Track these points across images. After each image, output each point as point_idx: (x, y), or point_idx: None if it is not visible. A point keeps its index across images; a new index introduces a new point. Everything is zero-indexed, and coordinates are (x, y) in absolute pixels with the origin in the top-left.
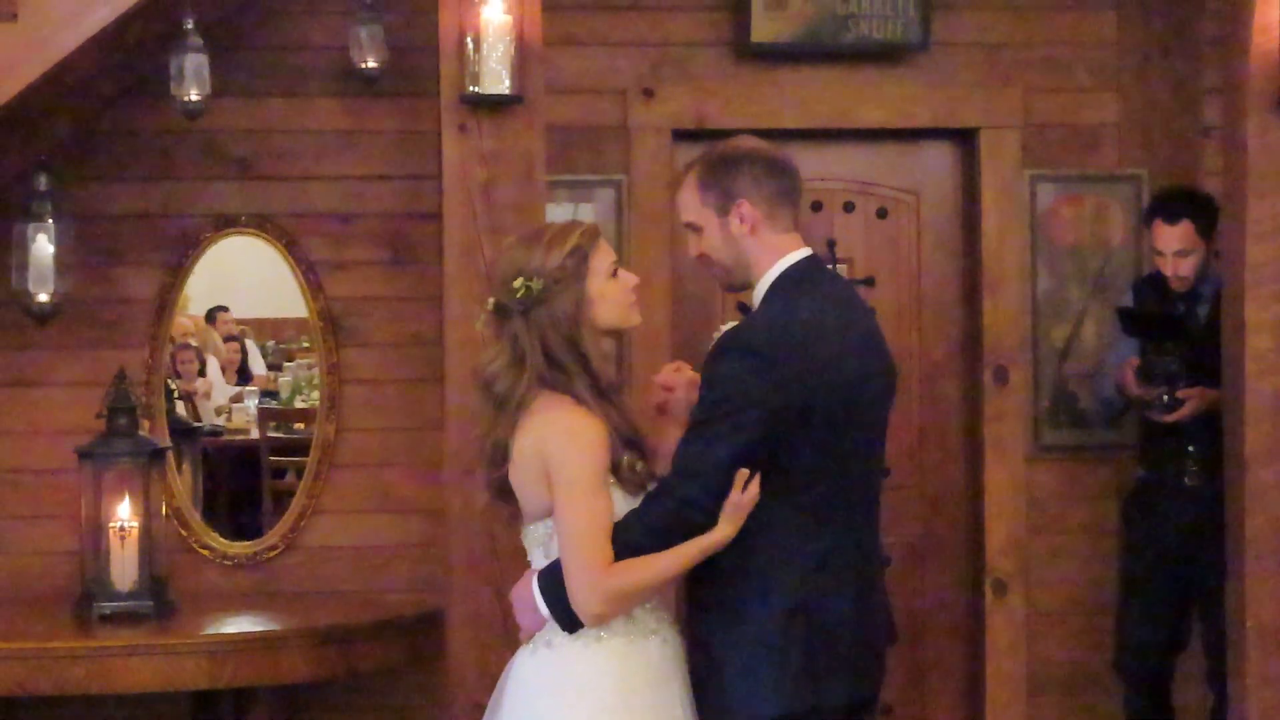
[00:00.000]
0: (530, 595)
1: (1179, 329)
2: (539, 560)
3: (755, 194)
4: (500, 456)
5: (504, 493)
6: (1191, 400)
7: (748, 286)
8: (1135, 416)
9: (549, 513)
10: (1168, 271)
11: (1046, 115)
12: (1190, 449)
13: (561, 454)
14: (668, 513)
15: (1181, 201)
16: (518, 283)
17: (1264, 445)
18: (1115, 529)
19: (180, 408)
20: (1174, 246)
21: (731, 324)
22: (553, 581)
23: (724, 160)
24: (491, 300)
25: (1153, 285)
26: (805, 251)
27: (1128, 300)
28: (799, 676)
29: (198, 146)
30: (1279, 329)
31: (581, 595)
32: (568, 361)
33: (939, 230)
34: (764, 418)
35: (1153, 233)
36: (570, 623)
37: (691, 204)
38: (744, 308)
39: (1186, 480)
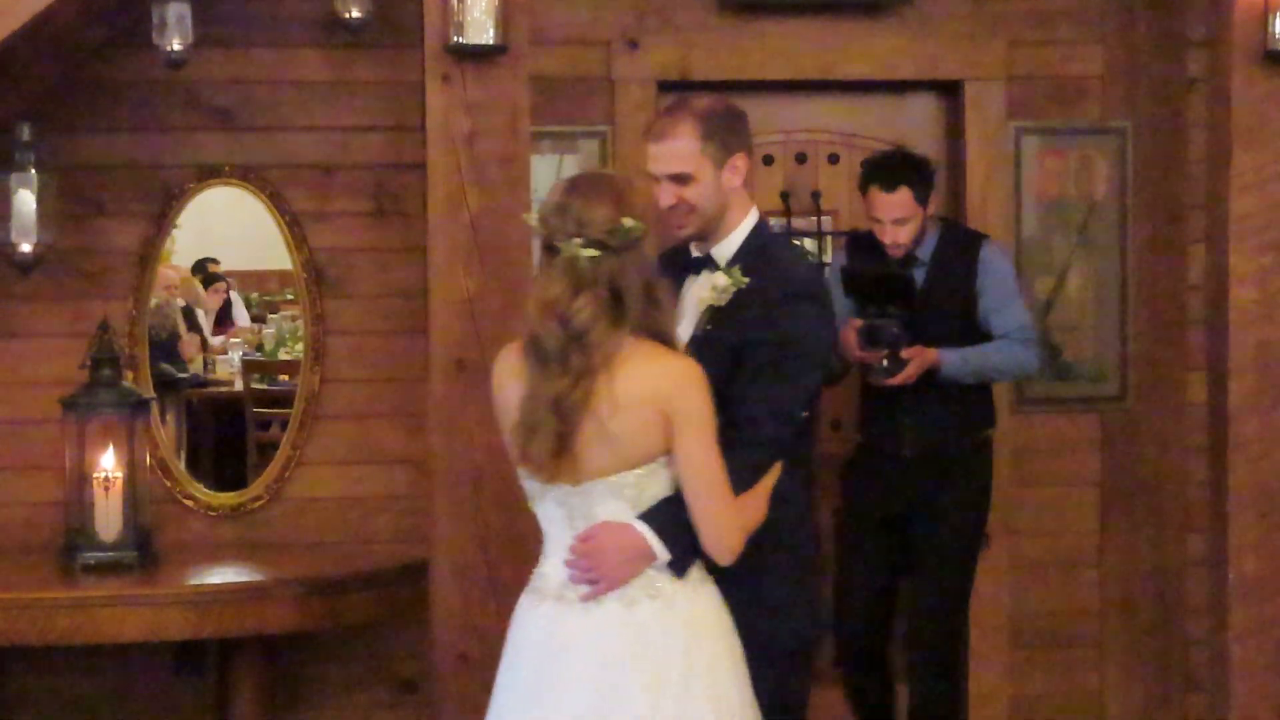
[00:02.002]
0: (633, 544)
1: (906, 291)
2: (613, 512)
3: (748, 149)
4: (575, 410)
5: (564, 449)
6: (913, 360)
7: (704, 238)
8: (859, 380)
9: (650, 459)
10: (885, 240)
11: (1031, 67)
12: (907, 420)
13: (685, 396)
14: (766, 454)
15: (899, 168)
16: (630, 223)
17: (1247, 398)
18: (1099, 480)
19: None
20: (893, 214)
21: (721, 274)
22: (667, 525)
23: (726, 113)
24: (580, 241)
25: (868, 245)
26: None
27: (842, 258)
28: (816, 607)
29: (181, 97)
30: (1263, 280)
31: (726, 532)
32: (664, 301)
33: None
34: (823, 361)
35: (869, 199)
36: (686, 566)
37: (689, 153)
38: (684, 260)
39: (905, 451)
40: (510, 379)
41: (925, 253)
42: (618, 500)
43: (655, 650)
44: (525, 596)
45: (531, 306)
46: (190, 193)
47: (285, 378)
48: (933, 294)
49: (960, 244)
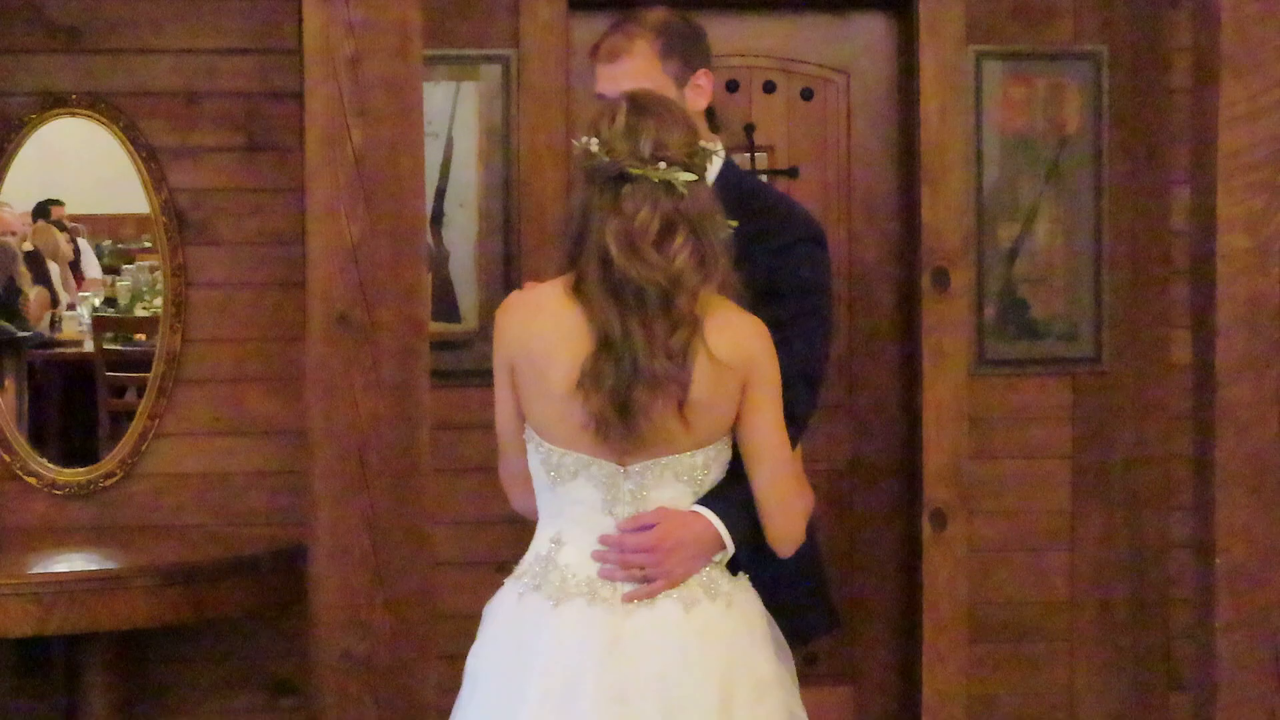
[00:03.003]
0: (703, 535)
1: None
2: (671, 497)
3: (710, 65)
4: (678, 369)
5: (647, 416)
6: None
7: None
8: None
9: (723, 434)
10: None
11: None
12: None
13: (769, 359)
14: (798, 428)
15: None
16: (707, 144)
17: (1237, 358)
18: (1070, 453)
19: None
20: None
21: None
22: (731, 513)
23: (685, 25)
24: (665, 166)
25: None
26: None
27: None
28: (829, 601)
29: (19, 14)
30: (1255, 225)
31: (796, 518)
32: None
33: (872, 114)
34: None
35: None
36: (740, 561)
37: (649, 71)
38: None
39: None
40: (557, 329)
41: None
42: (679, 483)
43: (722, 657)
44: (531, 595)
45: (612, 241)
46: (31, 124)
47: (142, 337)
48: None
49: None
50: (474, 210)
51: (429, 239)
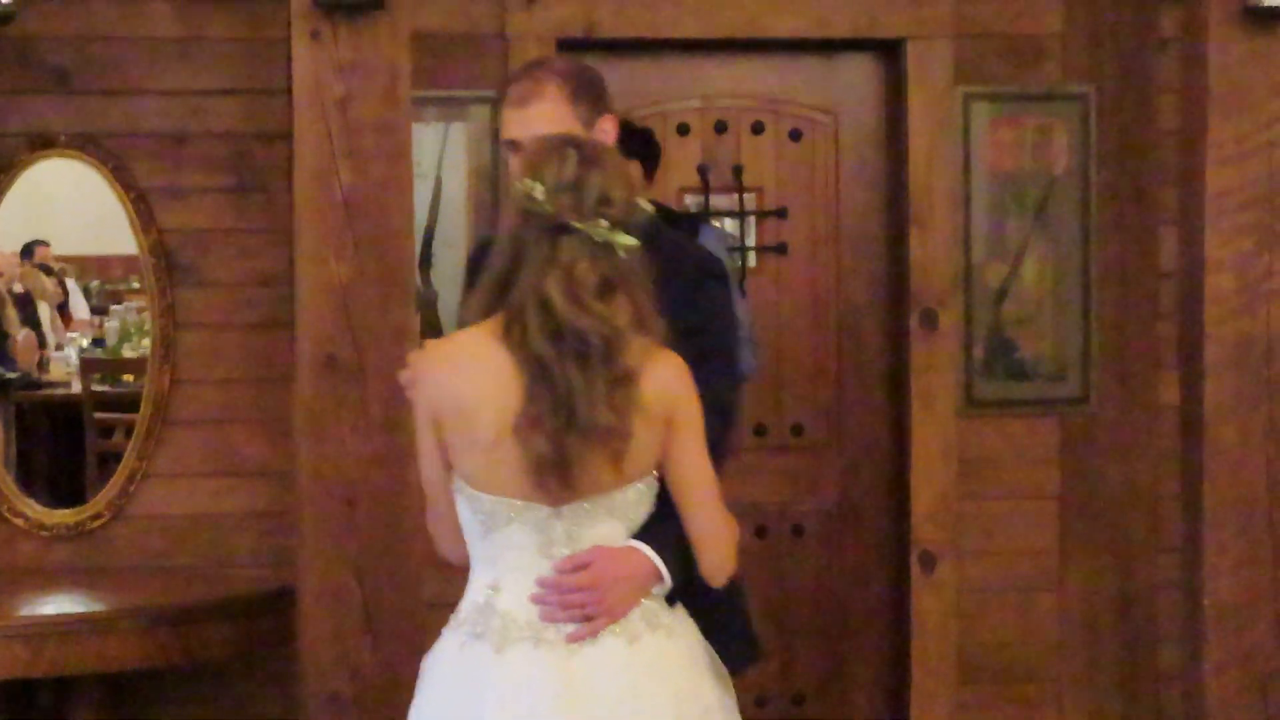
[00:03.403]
0: (640, 570)
1: None
2: (606, 535)
3: (613, 111)
4: (620, 417)
5: (584, 462)
6: None
7: None
8: None
9: (651, 470)
10: None
11: (981, 24)
12: None
13: (689, 396)
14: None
15: (624, 140)
16: (643, 203)
17: (1225, 399)
18: (1058, 493)
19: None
20: None
21: None
22: (666, 546)
23: (589, 71)
24: (606, 224)
25: None
26: None
27: None
28: (752, 631)
29: (11, 55)
30: (1242, 267)
31: (727, 548)
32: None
33: (860, 155)
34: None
35: None
36: (676, 593)
37: (560, 116)
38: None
39: None
40: (486, 376)
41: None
42: (613, 520)
43: (669, 687)
44: (473, 644)
45: (554, 290)
46: (21, 165)
47: (130, 378)
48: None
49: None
50: (462, 251)
51: (417, 280)
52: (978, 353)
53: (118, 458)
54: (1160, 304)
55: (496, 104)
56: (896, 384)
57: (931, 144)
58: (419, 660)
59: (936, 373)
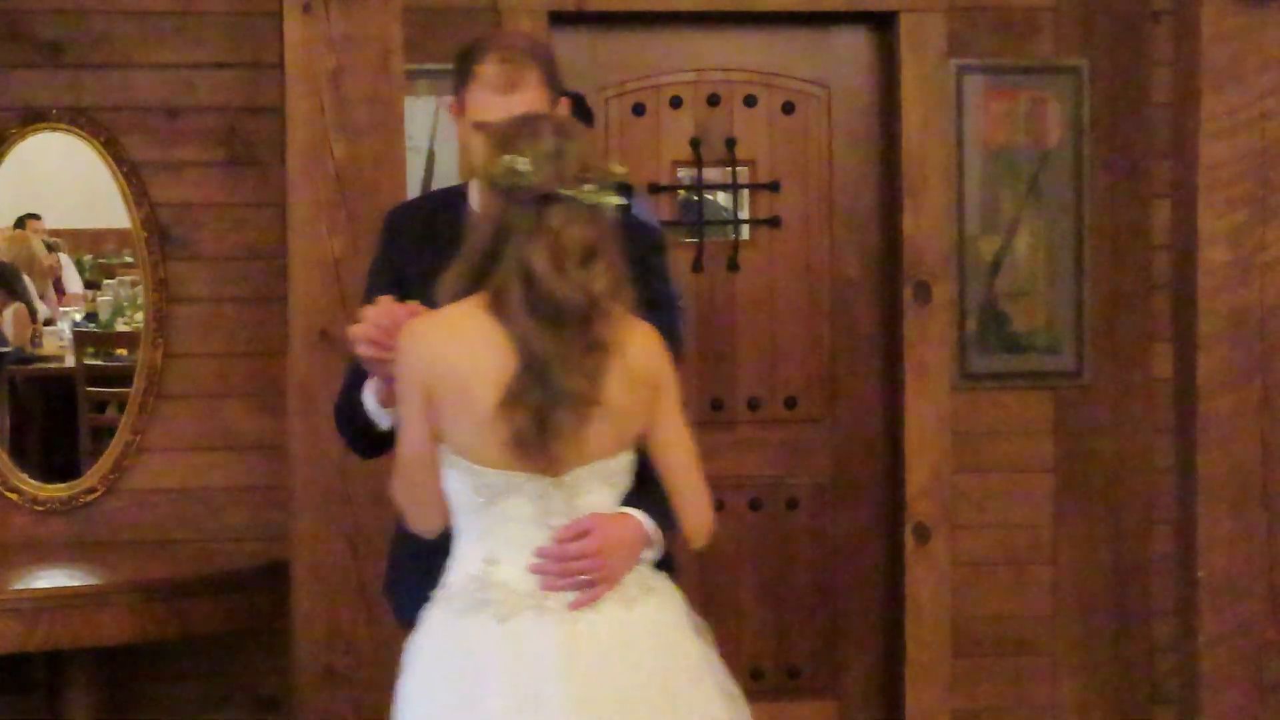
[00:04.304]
0: (635, 535)
1: None
2: (597, 503)
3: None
4: (599, 385)
5: (574, 431)
6: None
7: None
8: None
9: (637, 439)
10: None
11: None
12: None
13: (668, 367)
14: None
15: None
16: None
17: (1218, 372)
18: (1052, 466)
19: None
20: None
21: None
22: (654, 511)
23: (552, 52)
24: (590, 187)
25: None
26: None
27: None
28: None
29: (1, 29)
30: (1236, 239)
31: (707, 510)
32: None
33: (853, 128)
34: None
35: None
36: (665, 558)
37: (539, 102)
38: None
39: None
40: (480, 349)
41: None
42: (605, 488)
43: (663, 648)
44: (471, 616)
45: (539, 259)
46: (11, 139)
47: (123, 352)
48: None
49: None
50: None
51: None
52: (971, 326)
53: (111, 432)
54: (1153, 276)
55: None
56: (890, 357)
57: (925, 117)
58: (412, 634)
59: (930, 346)
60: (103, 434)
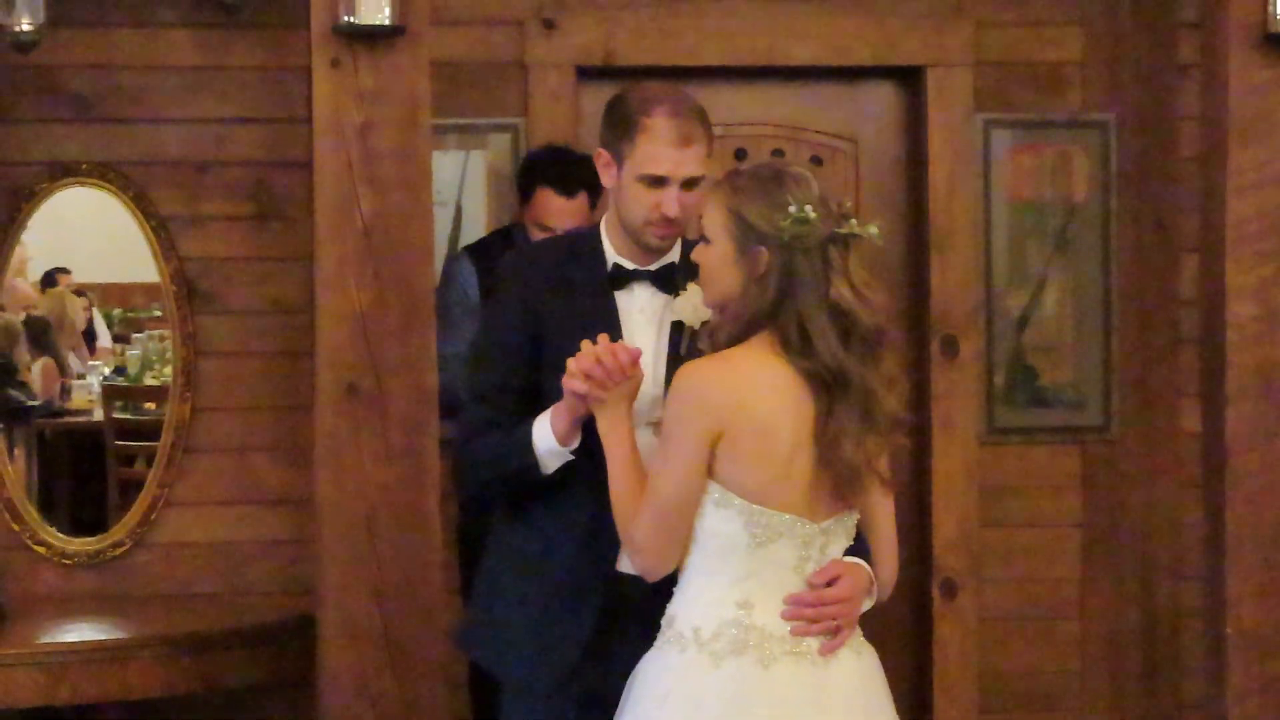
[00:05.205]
0: (869, 584)
1: None
2: (839, 550)
3: None
4: (896, 414)
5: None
6: None
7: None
8: None
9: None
10: None
11: (1002, 52)
12: None
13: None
14: None
15: (576, 169)
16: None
17: (1246, 426)
18: (1080, 521)
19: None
20: (567, 222)
21: (692, 286)
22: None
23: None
24: (854, 222)
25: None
26: None
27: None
28: None
29: (32, 84)
30: (1264, 294)
31: (897, 568)
32: None
33: (880, 182)
34: None
35: (536, 200)
36: None
37: (707, 155)
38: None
39: None
40: (778, 391)
41: None
42: (845, 540)
43: (885, 696)
44: (731, 659)
45: (847, 297)
46: (42, 193)
47: (151, 406)
48: None
49: None
50: None
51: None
52: (999, 380)
53: (139, 485)
54: (1181, 331)
55: (517, 131)
56: (917, 411)
57: (952, 171)
58: (439, 689)
59: (957, 400)
60: (131, 488)
